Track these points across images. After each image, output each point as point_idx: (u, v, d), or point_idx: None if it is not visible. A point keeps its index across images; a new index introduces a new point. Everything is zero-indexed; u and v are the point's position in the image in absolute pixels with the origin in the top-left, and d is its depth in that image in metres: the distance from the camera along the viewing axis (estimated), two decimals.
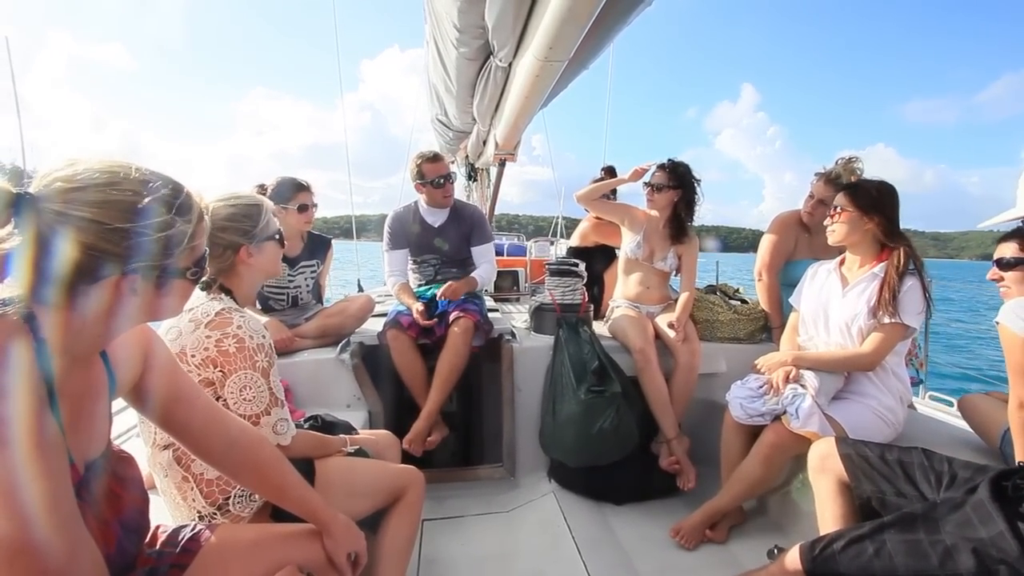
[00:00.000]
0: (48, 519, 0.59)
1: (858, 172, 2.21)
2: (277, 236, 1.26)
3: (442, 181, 2.48)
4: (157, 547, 0.92)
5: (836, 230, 1.76)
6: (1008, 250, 1.52)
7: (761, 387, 1.74)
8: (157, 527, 0.96)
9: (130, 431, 1.79)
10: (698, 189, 2.38)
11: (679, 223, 2.38)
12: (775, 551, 1.68)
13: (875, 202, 1.70)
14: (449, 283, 2.35)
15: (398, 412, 2.37)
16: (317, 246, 2.45)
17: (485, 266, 2.60)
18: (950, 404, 2.16)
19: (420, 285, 2.60)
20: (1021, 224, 1.55)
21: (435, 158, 2.51)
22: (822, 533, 1.35)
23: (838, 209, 1.75)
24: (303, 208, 2.29)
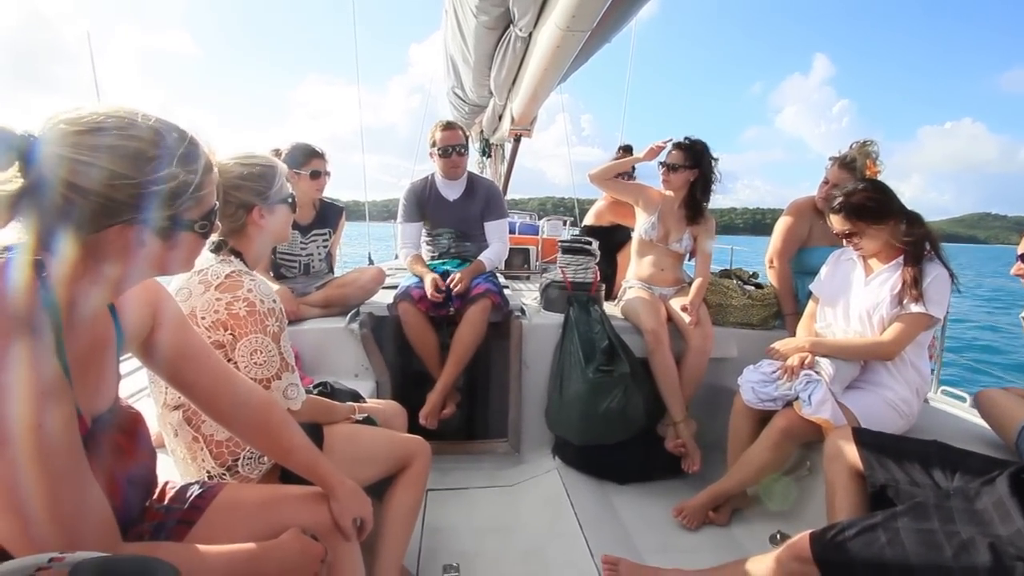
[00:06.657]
0: (47, 513, 0.59)
1: (873, 156, 2.13)
2: (290, 200, 1.25)
3: (449, 151, 2.43)
4: (165, 503, 0.93)
5: (863, 249, 1.72)
6: None
7: (774, 372, 1.72)
8: (166, 483, 0.97)
9: (141, 392, 1.81)
10: (715, 169, 2.31)
11: (695, 204, 2.31)
12: (777, 536, 1.69)
13: (877, 213, 1.65)
14: (457, 275, 2.25)
15: (405, 383, 2.39)
16: (329, 214, 2.43)
17: (496, 245, 2.55)
18: (963, 400, 2.12)
19: (433, 258, 2.58)
20: None
21: (448, 126, 2.45)
22: (830, 521, 1.34)
23: (847, 234, 1.70)
24: (315, 175, 2.27)
